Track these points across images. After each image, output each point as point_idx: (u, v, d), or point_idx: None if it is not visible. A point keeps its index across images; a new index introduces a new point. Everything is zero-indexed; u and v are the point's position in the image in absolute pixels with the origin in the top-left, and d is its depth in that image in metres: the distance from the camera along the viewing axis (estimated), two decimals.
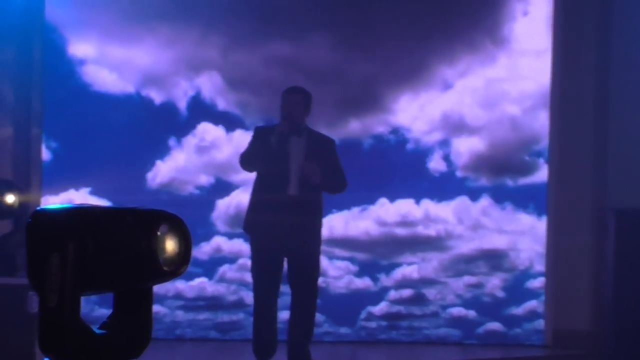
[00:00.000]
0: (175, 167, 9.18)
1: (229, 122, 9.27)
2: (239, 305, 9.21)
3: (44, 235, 2.23)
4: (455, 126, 9.44)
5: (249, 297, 9.06)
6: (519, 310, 9.36)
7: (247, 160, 7.85)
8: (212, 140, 9.25)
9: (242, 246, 9.14)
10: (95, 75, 9.05)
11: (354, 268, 9.35)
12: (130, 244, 2.25)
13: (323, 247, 7.94)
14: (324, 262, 8.10)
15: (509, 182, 9.44)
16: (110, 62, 9.08)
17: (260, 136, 7.91)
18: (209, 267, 9.15)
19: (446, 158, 9.41)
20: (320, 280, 8.03)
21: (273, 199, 7.73)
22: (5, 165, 8.21)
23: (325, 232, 8.01)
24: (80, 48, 9.01)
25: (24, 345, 6.95)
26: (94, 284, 2.23)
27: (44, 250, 2.19)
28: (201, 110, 9.24)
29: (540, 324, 9.31)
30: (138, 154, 9.08)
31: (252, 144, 7.89)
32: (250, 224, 7.89)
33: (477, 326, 9.38)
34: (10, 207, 7.31)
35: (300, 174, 7.74)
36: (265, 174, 7.82)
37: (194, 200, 9.13)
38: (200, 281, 9.20)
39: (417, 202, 9.39)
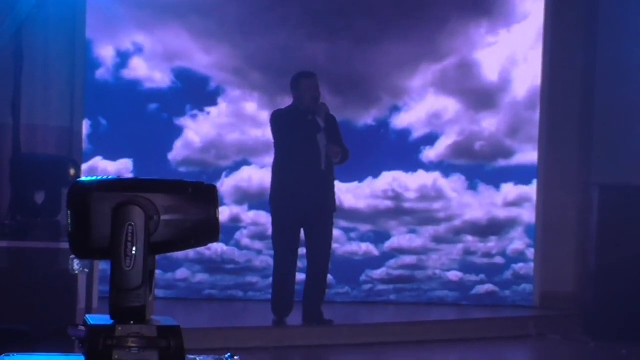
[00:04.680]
0: (190, 145, 9.17)
1: (240, 106, 9.25)
2: (254, 269, 9.22)
3: (108, 204, 2.21)
4: (452, 115, 9.43)
5: (260, 260, 9.10)
6: (510, 275, 9.39)
7: (289, 139, 7.88)
8: (223, 121, 9.24)
9: (252, 215, 9.16)
10: (125, 64, 9.05)
11: (357, 235, 9.36)
12: (195, 212, 2.28)
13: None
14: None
15: (502, 163, 9.43)
16: (137, 52, 9.07)
17: (286, 117, 7.96)
18: (226, 233, 9.15)
19: (445, 143, 9.39)
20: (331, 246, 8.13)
21: (306, 173, 7.79)
22: (50, 142, 8.22)
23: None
24: (112, 40, 9.01)
25: (65, 304, 6.96)
26: (161, 249, 2.26)
27: (115, 219, 2.18)
28: (213, 95, 9.21)
29: (529, 287, 9.34)
30: (158, 133, 9.09)
31: (286, 125, 7.91)
32: (276, 198, 7.94)
33: (471, 288, 9.40)
34: (71, 179, 7.35)
35: (326, 152, 7.81)
36: (298, 152, 7.86)
37: (206, 174, 9.13)
38: (218, 246, 9.20)
39: (415, 180, 9.40)
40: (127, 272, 2.18)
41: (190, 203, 2.29)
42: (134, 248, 2.17)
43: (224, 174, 9.21)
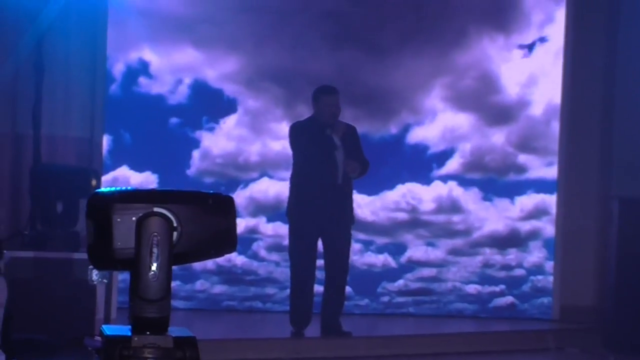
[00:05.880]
0: (206, 158, 9.15)
1: (256, 118, 9.23)
2: (273, 280, 9.19)
3: (131, 215, 2.20)
4: (468, 129, 9.39)
5: (279, 272, 9.08)
6: (529, 288, 9.32)
7: (307, 154, 7.87)
8: (240, 133, 9.22)
9: (269, 227, 9.14)
10: (141, 78, 9.05)
11: (375, 248, 9.33)
12: (215, 223, 2.29)
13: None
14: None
15: (519, 176, 9.36)
16: (153, 66, 9.07)
17: (304, 131, 7.94)
18: (243, 245, 9.11)
19: (462, 157, 9.35)
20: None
21: (323, 187, 7.77)
22: (71, 153, 8.25)
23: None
24: (128, 54, 9.02)
25: (84, 315, 6.96)
26: (182, 260, 2.27)
27: (139, 230, 2.18)
28: (229, 107, 9.18)
29: (548, 300, 9.26)
30: (174, 145, 9.07)
31: (303, 140, 7.90)
32: (294, 210, 7.93)
33: (490, 301, 9.34)
34: (92, 190, 7.37)
35: (343, 167, 7.79)
36: (315, 166, 7.84)
37: (223, 186, 9.11)
38: (236, 257, 9.18)
39: (432, 193, 9.36)
40: (152, 284, 2.18)
41: (211, 214, 2.30)
42: (158, 259, 2.17)
43: (240, 186, 9.20)
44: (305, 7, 9.23)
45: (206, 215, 2.29)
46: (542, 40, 9.36)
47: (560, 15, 9.31)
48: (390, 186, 9.28)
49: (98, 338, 2.27)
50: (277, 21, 9.14)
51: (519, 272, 9.34)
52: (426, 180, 9.33)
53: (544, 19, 9.38)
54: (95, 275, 6.67)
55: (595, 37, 9.29)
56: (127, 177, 8.91)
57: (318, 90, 8.00)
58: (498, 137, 9.37)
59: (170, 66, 9.10)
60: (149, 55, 9.06)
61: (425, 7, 9.33)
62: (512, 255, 9.35)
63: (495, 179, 9.39)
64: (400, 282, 9.31)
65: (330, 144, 7.82)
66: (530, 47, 9.38)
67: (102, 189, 2.32)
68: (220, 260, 8.81)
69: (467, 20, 9.31)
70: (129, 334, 2.20)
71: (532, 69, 9.37)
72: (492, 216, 9.36)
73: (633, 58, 9.00)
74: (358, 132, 8.19)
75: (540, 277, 9.31)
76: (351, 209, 7.99)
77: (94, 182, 7.33)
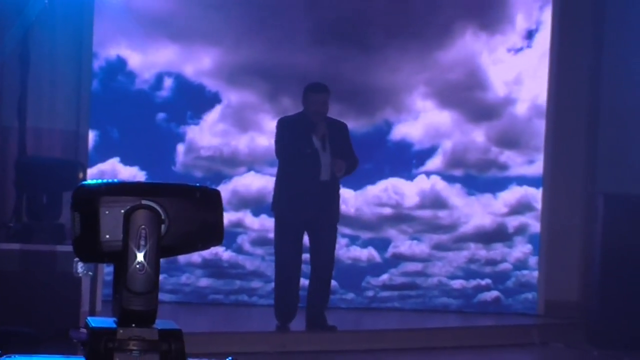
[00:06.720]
0: (189, 152, 9.16)
1: (241, 113, 9.22)
2: (259, 274, 9.19)
3: (119, 208, 2.17)
4: (452, 126, 9.40)
5: (264, 266, 9.07)
6: (514, 283, 9.34)
7: (287, 152, 7.86)
8: (223, 128, 9.21)
9: (254, 221, 9.13)
10: (124, 72, 9.04)
11: (361, 242, 9.33)
12: (202, 216, 2.30)
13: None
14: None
15: (504, 173, 9.39)
16: (137, 61, 9.05)
17: (290, 127, 7.94)
18: (228, 239, 9.11)
19: (447, 153, 9.36)
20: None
21: (306, 183, 7.77)
22: (56, 145, 8.21)
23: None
24: (118, 47, 9.00)
25: (69, 307, 6.93)
26: (169, 252, 2.27)
27: (127, 222, 2.16)
28: (213, 102, 9.19)
29: (533, 295, 9.29)
30: (159, 140, 9.08)
31: (286, 136, 7.90)
32: (279, 204, 7.93)
33: (475, 296, 9.36)
34: (78, 182, 7.33)
35: (330, 166, 7.79)
36: (300, 162, 7.83)
37: (208, 180, 9.11)
38: (222, 251, 9.17)
39: (417, 188, 9.37)
40: (139, 276, 2.17)
41: (198, 207, 2.30)
42: (145, 252, 2.18)
43: (224, 180, 9.19)
44: (290, 1, 9.21)
45: (194, 208, 2.30)
46: (528, 38, 9.39)
47: (547, 14, 9.32)
48: (375, 181, 9.29)
49: (83, 330, 2.26)
50: (263, 17, 9.12)
51: (504, 267, 9.37)
52: (411, 176, 9.35)
53: (531, 18, 9.40)
54: (80, 267, 6.63)
55: (581, 36, 9.32)
56: (113, 172, 8.89)
57: (307, 87, 8.01)
58: (481, 134, 9.40)
59: (155, 61, 9.09)
60: (135, 50, 9.04)
61: (411, 3, 9.33)
62: (497, 251, 9.38)
63: (478, 175, 9.41)
64: (385, 276, 9.32)
65: (314, 142, 7.82)
66: (516, 45, 9.39)
67: (89, 181, 2.30)
68: (206, 253, 8.80)
69: (453, 17, 9.32)
70: (114, 326, 2.19)
71: (518, 67, 9.40)
72: (477, 211, 9.38)
73: (619, 56, 9.01)
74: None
75: (525, 272, 9.34)
76: (337, 204, 8.00)
77: (80, 175, 7.30)
